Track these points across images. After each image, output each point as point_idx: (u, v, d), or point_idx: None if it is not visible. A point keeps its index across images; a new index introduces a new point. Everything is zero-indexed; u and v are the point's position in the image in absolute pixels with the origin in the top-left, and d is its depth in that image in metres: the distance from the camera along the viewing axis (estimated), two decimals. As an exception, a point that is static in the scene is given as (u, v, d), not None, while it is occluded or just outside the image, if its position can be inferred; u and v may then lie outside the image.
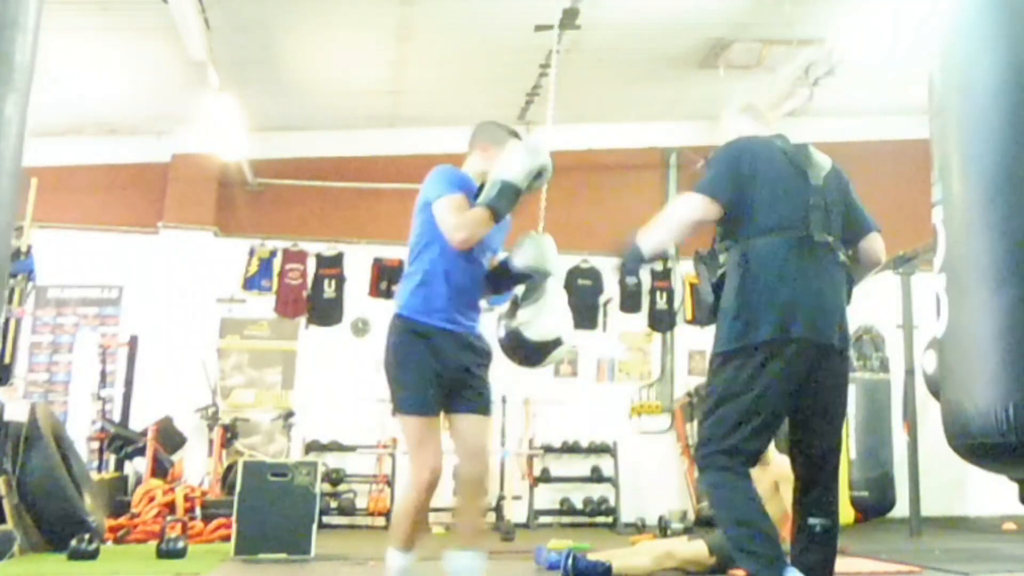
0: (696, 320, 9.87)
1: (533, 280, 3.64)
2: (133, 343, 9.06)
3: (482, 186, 3.63)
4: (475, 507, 3.69)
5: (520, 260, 3.65)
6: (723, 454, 3.15)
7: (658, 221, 3.43)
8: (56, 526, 5.73)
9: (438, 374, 3.50)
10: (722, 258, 3.28)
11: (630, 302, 10.02)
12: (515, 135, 3.81)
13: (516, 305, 3.71)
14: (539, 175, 3.60)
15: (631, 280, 9.85)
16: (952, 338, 3.22)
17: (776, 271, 3.17)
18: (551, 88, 7.56)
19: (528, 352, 3.68)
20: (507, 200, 3.51)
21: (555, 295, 3.71)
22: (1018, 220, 3.02)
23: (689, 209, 3.36)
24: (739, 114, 3.65)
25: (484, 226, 3.49)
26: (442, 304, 3.56)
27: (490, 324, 3.74)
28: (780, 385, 3.15)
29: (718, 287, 3.27)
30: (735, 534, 3.12)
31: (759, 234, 3.21)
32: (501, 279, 3.76)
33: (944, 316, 3.23)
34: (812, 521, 3.20)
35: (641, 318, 10.06)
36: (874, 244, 3.50)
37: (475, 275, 3.69)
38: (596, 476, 9.24)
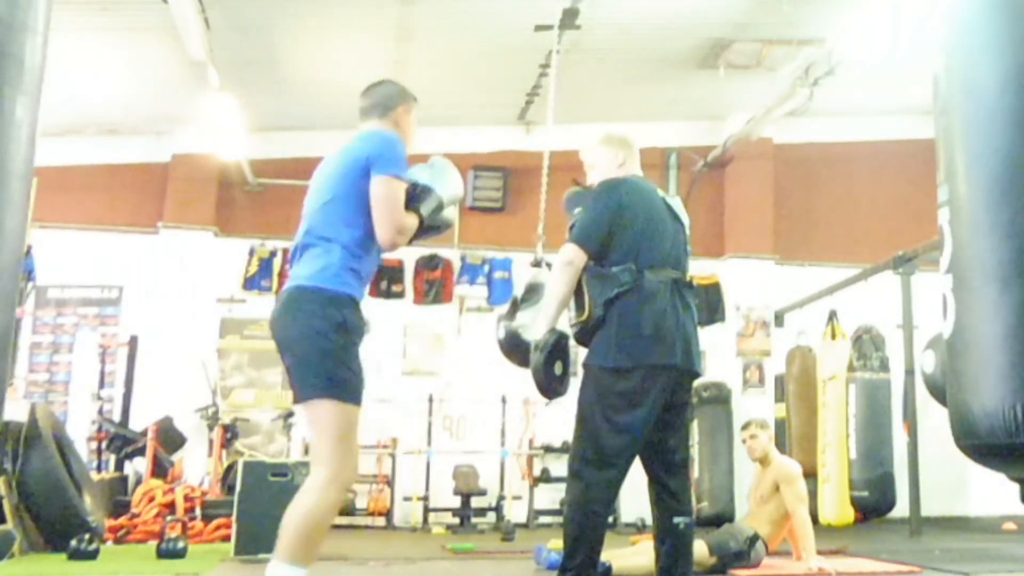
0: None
1: None
2: (133, 343, 9.07)
3: None
4: None
5: (420, 176, 3.18)
6: (594, 463, 3.39)
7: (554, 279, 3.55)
8: (56, 526, 5.71)
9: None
10: (623, 278, 3.44)
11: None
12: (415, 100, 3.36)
13: (516, 307, 3.70)
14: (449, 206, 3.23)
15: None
16: (959, 338, 3.21)
17: (665, 304, 3.46)
18: (552, 88, 7.55)
19: (527, 354, 3.69)
20: (437, 218, 3.16)
21: None
22: (1025, 220, 3.02)
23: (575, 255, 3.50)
24: (610, 143, 3.93)
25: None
26: (366, 280, 3.13)
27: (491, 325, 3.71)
28: (657, 403, 3.45)
29: (609, 303, 3.43)
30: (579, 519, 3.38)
31: (652, 267, 3.48)
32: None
33: (951, 317, 3.23)
34: (677, 520, 3.53)
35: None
36: None
37: None
38: (596, 476, 9.22)
